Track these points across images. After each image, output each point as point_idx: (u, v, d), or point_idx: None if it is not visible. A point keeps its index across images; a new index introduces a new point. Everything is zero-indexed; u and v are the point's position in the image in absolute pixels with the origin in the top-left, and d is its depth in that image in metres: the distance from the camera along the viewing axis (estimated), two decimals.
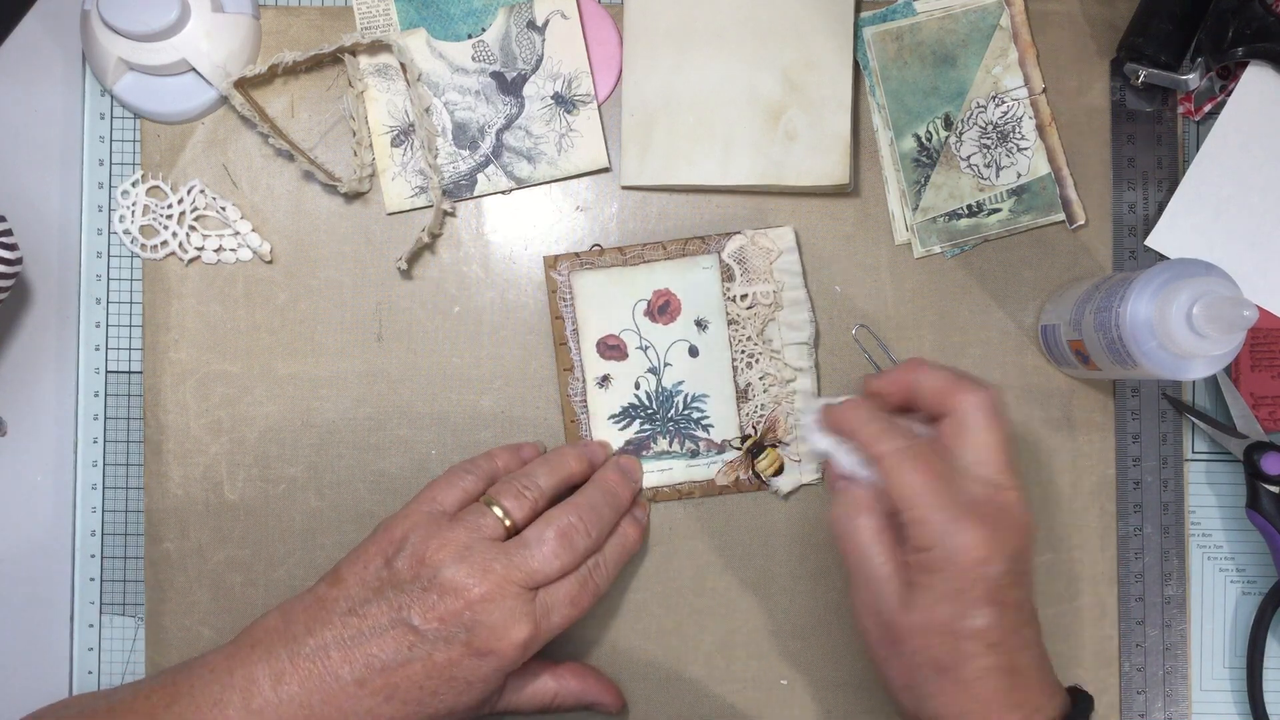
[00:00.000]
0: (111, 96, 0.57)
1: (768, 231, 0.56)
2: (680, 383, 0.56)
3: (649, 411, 0.56)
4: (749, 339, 0.56)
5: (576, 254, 0.56)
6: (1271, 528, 0.55)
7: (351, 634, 0.46)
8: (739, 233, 0.56)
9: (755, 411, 0.56)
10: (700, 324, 0.56)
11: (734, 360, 0.56)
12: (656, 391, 0.56)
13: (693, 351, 0.56)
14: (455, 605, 0.46)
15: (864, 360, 0.57)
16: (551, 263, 0.56)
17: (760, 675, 0.57)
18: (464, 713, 0.49)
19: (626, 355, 0.56)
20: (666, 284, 0.56)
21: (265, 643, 0.47)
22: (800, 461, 0.56)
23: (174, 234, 0.57)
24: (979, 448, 0.45)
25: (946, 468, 0.45)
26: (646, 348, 0.56)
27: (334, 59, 0.57)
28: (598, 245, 0.57)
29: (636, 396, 0.56)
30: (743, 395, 0.56)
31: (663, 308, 0.56)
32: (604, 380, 0.56)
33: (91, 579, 0.58)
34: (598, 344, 0.56)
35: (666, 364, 0.56)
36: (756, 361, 0.56)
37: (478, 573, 0.47)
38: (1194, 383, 0.57)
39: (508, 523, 0.49)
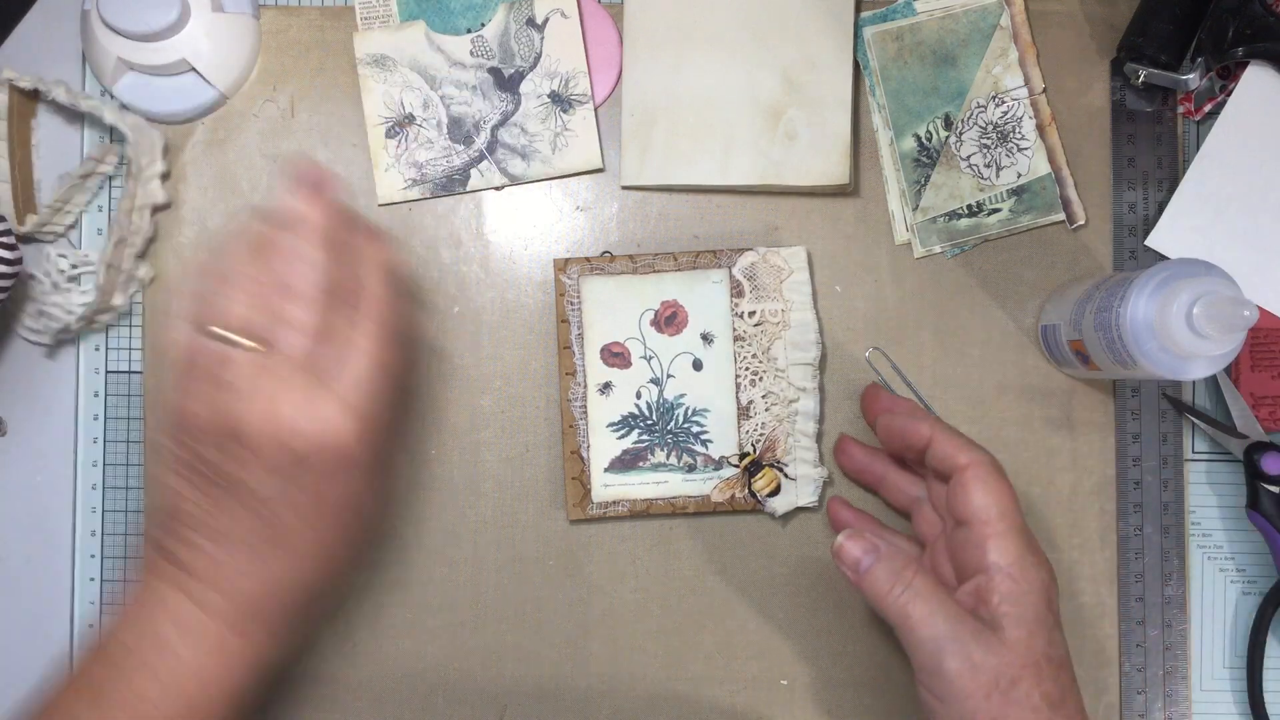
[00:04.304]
0: (112, 96, 0.57)
1: (780, 250, 0.55)
2: (682, 395, 0.56)
3: (649, 422, 0.56)
4: (754, 356, 0.55)
5: (587, 259, 0.56)
6: (1271, 528, 0.55)
7: (219, 525, 0.43)
8: (751, 249, 0.55)
9: (755, 430, 0.55)
10: (706, 338, 0.56)
11: (737, 377, 0.56)
12: (658, 402, 0.56)
13: (697, 365, 0.56)
14: (273, 451, 0.42)
15: (876, 380, 0.57)
16: (561, 266, 0.56)
17: (760, 675, 0.57)
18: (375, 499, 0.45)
19: (630, 364, 0.56)
20: (675, 295, 0.56)
21: (153, 566, 0.44)
22: (797, 482, 0.55)
23: (57, 304, 0.56)
24: (999, 497, 0.47)
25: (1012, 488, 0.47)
26: (650, 358, 0.56)
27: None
28: (608, 252, 0.56)
29: (637, 406, 0.56)
30: (744, 412, 0.56)
31: (670, 319, 0.56)
32: (605, 387, 0.56)
33: (91, 579, 0.58)
34: (602, 350, 0.56)
35: (669, 375, 0.56)
36: (760, 379, 0.55)
37: (260, 407, 0.41)
38: (1194, 383, 0.57)
39: (242, 340, 0.42)
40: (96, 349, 0.58)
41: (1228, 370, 0.57)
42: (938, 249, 0.57)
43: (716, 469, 0.56)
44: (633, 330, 0.56)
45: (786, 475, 0.55)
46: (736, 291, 0.56)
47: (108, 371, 0.58)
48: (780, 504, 0.55)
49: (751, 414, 0.55)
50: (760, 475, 0.55)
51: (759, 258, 0.55)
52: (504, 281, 0.57)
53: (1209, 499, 0.57)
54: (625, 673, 0.57)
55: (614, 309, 0.56)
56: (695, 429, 0.56)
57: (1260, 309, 0.55)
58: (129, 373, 0.58)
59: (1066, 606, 0.56)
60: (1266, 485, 0.55)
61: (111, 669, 0.43)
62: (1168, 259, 0.55)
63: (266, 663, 0.45)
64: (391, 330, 0.45)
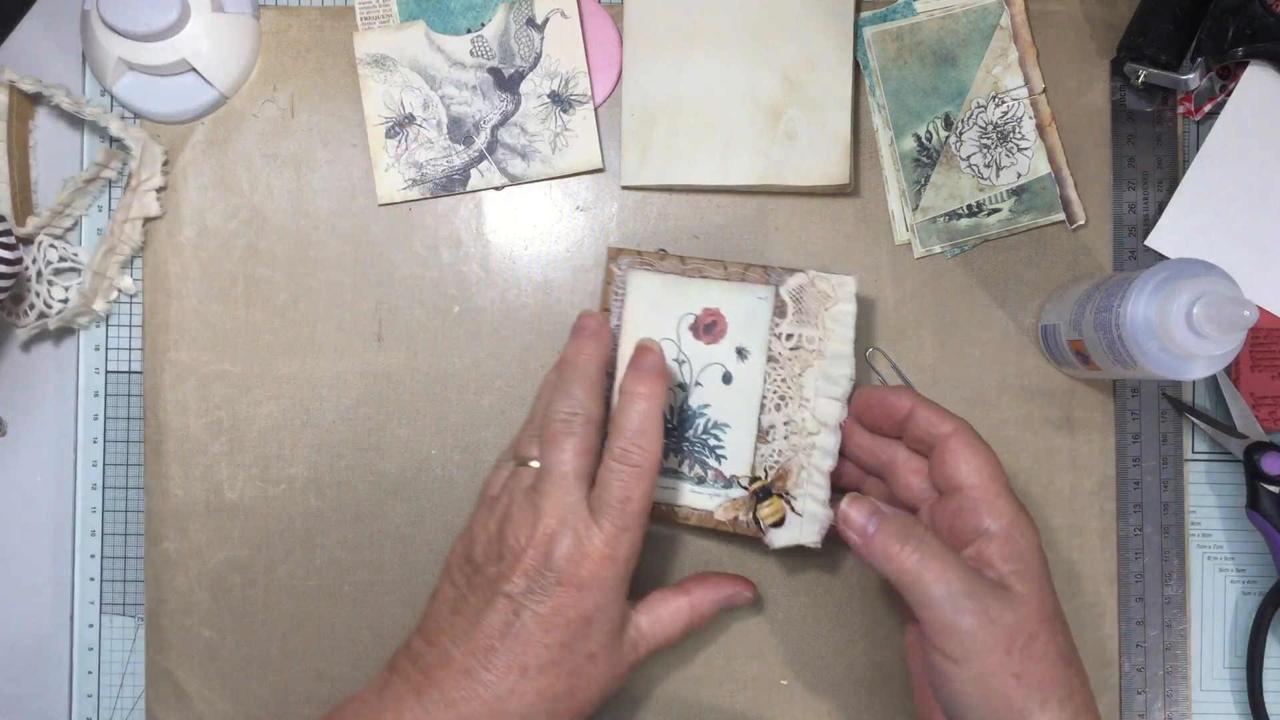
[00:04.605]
0: (111, 96, 0.57)
1: (828, 275, 0.53)
2: (706, 406, 0.54)
3: (668, 426, 0.54)
4: (784, 380, 0.54)
5: (639, 251, 0.55)
6: (1271, 528, 0.55)
7: (463, 626, 0.47)
8: (801, 271, 0.54)
9: (771, 455, 0.54)
10: (741, 352, 0.54)
11: (764, 398, 0.54)
12: (680, 408, 0.55)
13: (726, 378, 0.54)
14: (531, 556, 0.46)
15: (877, 381, 0.56)
16: (614, 254, 0.55)
17: (760, 675, 0.57)
18: (609, 663, 0.48)
19: None
20: (719, 304, 0.54)
21: (397, 665, 0.48)
22: (802, 519, 0.52)
23: (38, 294, 0.57)
24: (986, 461, 0.47)
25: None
26: (682, 362, 0.55)
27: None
28: (663, 249, 0.56)
29: None
30: (763, 436, 0.54)
31: (709, 327, 0.54)
32: None
33: (91, 579, 0.58)
34: (636, 346, 0.55)
35: (697, 384, 0.54)
36: (785, 404, 0.54)
37: (527, 519, 0.47)
38: (1194, 383, 0.57)
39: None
40: (96, 349, 0.58)
41: (1228, 370, 0.57)
42: (938, 249, 0.57)
43: (725, 486, 0.54)
44: (670, 331, 0.55)
45: (793, 509, 0.53)
46: (779, 311, 0.54)
47: (108, 371, 0.58)
48: (780, 538, 0.52)
49: (770, 439, 0.54)
50: (767, 503, 0.52)
51: (808, 280, 0.53)
52: (504, 281, 0.57)
53: (1209, 499, 0.57)
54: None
55: (656, 307, 0.55)
56: (712, 442, 0.54)
57: (1260, 309, 0.55)
58: (129, 373, 0.58)
59: (1067, 606, 0.56)
60: (1266, 485, 0.55)
61: None
62: (1168, 259, 0.55)
63: None
64: (637, 466, 0.48)
